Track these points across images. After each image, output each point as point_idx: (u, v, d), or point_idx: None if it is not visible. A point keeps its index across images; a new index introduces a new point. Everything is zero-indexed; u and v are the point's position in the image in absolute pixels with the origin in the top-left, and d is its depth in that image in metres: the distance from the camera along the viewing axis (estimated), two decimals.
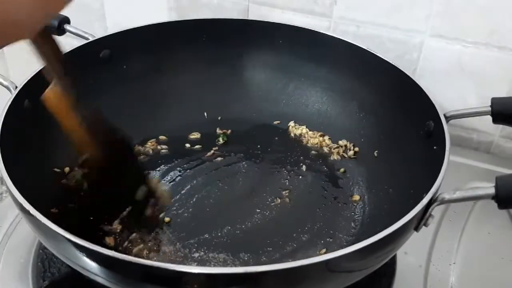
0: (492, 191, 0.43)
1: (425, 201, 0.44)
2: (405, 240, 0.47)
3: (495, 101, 0.54)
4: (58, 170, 0.61)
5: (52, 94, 0.46)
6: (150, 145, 0.69)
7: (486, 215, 0.67)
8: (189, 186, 0.63)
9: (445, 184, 0.48)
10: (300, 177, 0.66)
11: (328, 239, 0.57)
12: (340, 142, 0.70)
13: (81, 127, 0.49)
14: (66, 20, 0.66)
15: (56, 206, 0.55)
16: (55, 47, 0.44)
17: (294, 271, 0.40)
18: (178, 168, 0.66)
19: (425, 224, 0.46)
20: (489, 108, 0.54)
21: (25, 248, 0.59)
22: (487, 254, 0.62)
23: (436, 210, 0.65)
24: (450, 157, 0.75)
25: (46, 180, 0.57)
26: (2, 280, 0.56)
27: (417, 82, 0.61)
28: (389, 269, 0.59)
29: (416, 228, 0.46)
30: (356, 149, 0.68)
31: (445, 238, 0.64)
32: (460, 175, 0.73)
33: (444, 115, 0.55)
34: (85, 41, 0.66)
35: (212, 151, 0.69)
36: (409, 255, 0.61)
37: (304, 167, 0.67)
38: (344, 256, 0.40)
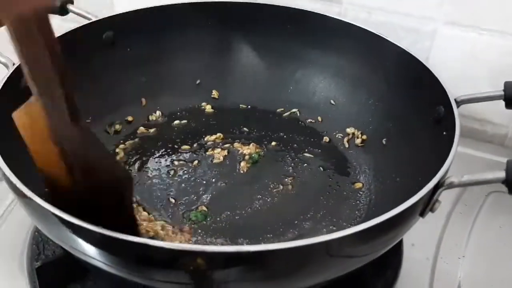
0: (502, 175, 0.40)
1: (431, 184, 0.42)
2: (409, 226, 0.45)
3: (508, 85, 0.51)
4: None
5: (27, 113, 0.35)
6: (152, 131, 0.68)
7: (498, 208, 0.64)
8: (188, 170, 0.61)
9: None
10: (305, 164, 0.64)
11: (331, 227, 0.55)
12: (348, 130, 0.67)
13: (60, 162, 0.37)
14: (70, 0, 0.65)
15: None
16: (52, 40, 0.32)
17: (290, 253, 0.38)
18: (179, 151, 0.64)
19: (432, 210, 0.44)
20: (502, 93, 0.52)
21: (21, 230, 0.58)
22: (497, 249, 0.59)
23: (447, 202, 0.64)
24: (463, 149, 0.74)
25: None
26: None
27: (428, 67, 0.58)
28: (395, 260, 0.57)
29: (422, 214, 0.44)
30: (364, 137, 0.66)
31: (455, 231, 0.61)
32: (473, 168, 0.69)
33: (455, 99, 0.53)
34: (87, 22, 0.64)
35: (215, 136, 0.67)
36: (416, 247, 0.59)
37: (309, 154, 0.65)
38: (344, 238, 0.38)
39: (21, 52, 0.31)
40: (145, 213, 0.55)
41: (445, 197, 0.63)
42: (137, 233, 0.42)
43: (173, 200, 0.57)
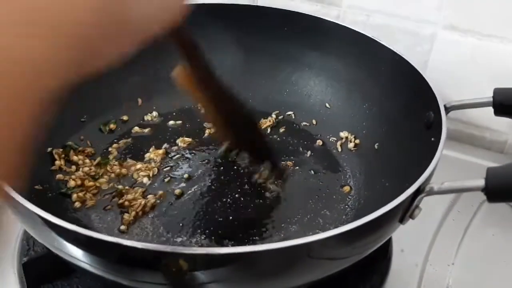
0: (482, 183, 0.40)
1: (410, 191, 0.41)
2: (388, 232, 0.44)
3: (497, 91, 0.50)
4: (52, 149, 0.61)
5: (181, 71, 0.49)
6: (147, 131, 0.68)
7: (492, 216, 0.63)
8: (180, 171, 0.62)
9: None
10: (296, 167, 0.64)
11: (317, 231, 0.55)
12: (341, 134, 0.67)
13: (211, 103, 0.52)
14: None
15: (41, 183, 0.55)
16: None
17: (270, 254, 0.38)
18: (173, 151, 0.65)
19: (411, 217, 0.43)
20: (491, 99, 0.51)
21: (15, 226, 0.59)
22: (488, 257, 0.59)
23: (440, 209, 0.64)
24: (461, 156, 0.73)
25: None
26: None
27: (421, 72, 0.58)
28: (383, 265, 0.56)
29: (402, 220, 0.43)
30: (357, 141, 0.66)
31: (446, 238, 0.61)
32: (471, 175, 0.69)
33: (445, 105, 0.52)
34: None
35: (206, 135, 0.68)
36: (406, 253, 0.59)
37: (300, 158, 0.65)
38: (322, 240, 0.38)
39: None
40: None
41: (438, 204, 0.64)
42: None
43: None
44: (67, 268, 0.52)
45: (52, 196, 0.56)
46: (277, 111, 0.72)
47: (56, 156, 0.60)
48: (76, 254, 0.41)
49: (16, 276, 0.53)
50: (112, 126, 0.67)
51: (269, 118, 0.71)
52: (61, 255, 0.43)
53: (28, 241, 0.56)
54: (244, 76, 0.73)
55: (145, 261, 0.39)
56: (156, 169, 0.61)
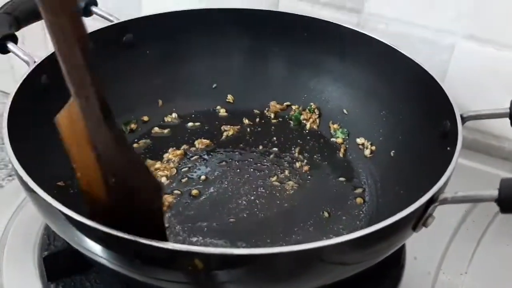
0: (495, 193, 0.40)
1: (424, 199, 0.42)
2: (401, 239, 0.45)
3: None
4: None
5: (68, 115, 0.36)
6: (166, 132, 0.69)
7: (507, 227, 0.63)
8: (197, 172, 0.63)
9: None
10: (312, 171, 0.64)
11: (331, 236, 0.56)
12: (358, 140, 0.68)
13: (97, 164, 0.37)
14: (93, 2, 0.68)
15: (63, 179, 0.56)
16: (83, 37, 0.32)
17: (283, 257, 0.39)
18: (191, 153, 0.66)
19: (425, 225, 0.44)
20: (508, 111, 0.51)
21: (36, 220, 0.60)
22: (501, 268, 0.59)
23: (454, 218, 0.64)
24: (478, 166, 0.73)
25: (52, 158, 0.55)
26: (10, 250, 0.58)
27: (439, 81, 0.58)
28: (395, 273, 0.57)
29: (415, 228, 0.44)
30: (373, 148, 0.66)
31: (460, 247, 0.61)
32: (487, 186, 0.69)
33: (461, 115, 0.53)
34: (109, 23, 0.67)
35: (223, 137, 0.69)
36: (419, 261, 0.59)
37: (316, 162, 0.66)
38: (334, 245, 0.39)
39: (56, 46, 0.32)
40: None
41: (453, 213, 0.64)
42: (165, 239, 0.42)
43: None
44: (86, 263, 0.53)
45: (74, 193, 0.57)
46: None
47: None
48: (95, 249, 0.42)
49: (36, 270, 0.55)
50: (133, 126, 0.68)
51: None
52: (81, 250, 0.44)
53: (49, 236, 0.58)
54: (262, 81, 0.75)
55: (161, 259, 0.40)
56: (174, 169, 0.63)
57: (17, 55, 0.59)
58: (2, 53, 0.60)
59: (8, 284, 0.53)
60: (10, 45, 0.59)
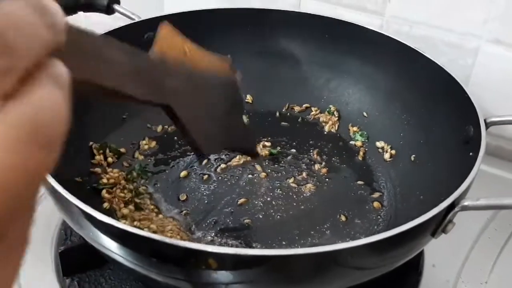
0: None
1: (443, 205, 0.41)
2: (419, 245, 0.44)
3: None
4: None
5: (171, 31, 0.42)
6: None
7: None
8: (213, 171, 0.63)
9: None
10: (330, 174, 0.64)
11: (347, 239, 0.55)
12: (378, 144, 0.67)
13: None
14: (116, 0, 0.68)
15: (80, 175, 0.56)
16: None
17: (297, 259, 0.39)
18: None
19: (444, 231, 0.43)
20: None
21: (54, 215, 0.61)
22: None
23: (476, 225, 0.62)
24: (502, 173, 0.71)
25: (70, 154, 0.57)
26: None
27: (462, 86, 0.57)
28: (413, 279, 0.56)
29: (434, 234, 0.43)
30: (393, 151, 0.65)
31: (481, 255, 0.59)
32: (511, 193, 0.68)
33: (485, 120, 0.51)
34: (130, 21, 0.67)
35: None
36: (438, 268, 0.58)
37: (335, 165, 0.65)
38: (350, 249, 0.38)
39: None
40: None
41: (475, 219, 0.63)
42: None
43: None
44: (101, 259, 0.53)
45: (91, 189, 0.58)
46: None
47: (95, 151, 0.62)
48: (110, 246, 0.42)
49: (52, 264, 0.55)
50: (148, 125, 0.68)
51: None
52: (96, 246, 0.45)
53: (65, 231, 0.58)
54: (282, 81, 0.74)
55: (175, 258, 0.40)
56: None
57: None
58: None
59: (24, 277, 0.54)
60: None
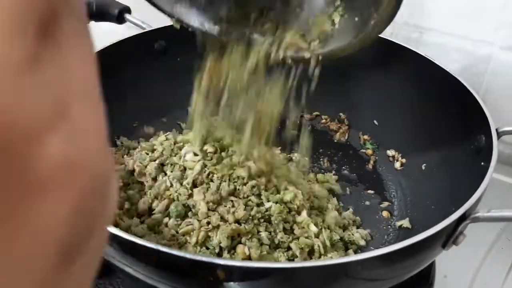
0: None
1: (454, 216, 0.40)
2: (430, 256, 0.43)
3: None
4: None
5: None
6: None
7: None
8: None
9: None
10: (340, 183, 0.63)
11: (358, 251, 0.55)
12: (389, 152, 0.66)
13: None
14: (127, 10, 0.69)
15: None
16: None
17: (308, 272, 0.38)
18: None
19: (455, 243, 0.42)
20: None
21: None
22: None
23: (488, 236, 0.61)
24: None
25: None
26: None
27: (474, 94, 0.56)
28: None
29: (444, 246, 0.42)
30: (403, 160, 0.64)
31: (493, 267, 0.59)
32: None
33: (497, 130, 0.51)
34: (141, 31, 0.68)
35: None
36: (449, 280, 0.57)
37: (345, 174, 0.64)
38: (360, 261, 0.38)
39: None
40: None
41: (487, 230, 0.62)
42: None
43: None
44: (110, 268, 0.53)
45: None
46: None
47: None
48: (118, 256, 0.42)
49: None
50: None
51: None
52: (104, 256, 0.45)
53: None
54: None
55: (183, 269, 0.40)
56: None
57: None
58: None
59: None
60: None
